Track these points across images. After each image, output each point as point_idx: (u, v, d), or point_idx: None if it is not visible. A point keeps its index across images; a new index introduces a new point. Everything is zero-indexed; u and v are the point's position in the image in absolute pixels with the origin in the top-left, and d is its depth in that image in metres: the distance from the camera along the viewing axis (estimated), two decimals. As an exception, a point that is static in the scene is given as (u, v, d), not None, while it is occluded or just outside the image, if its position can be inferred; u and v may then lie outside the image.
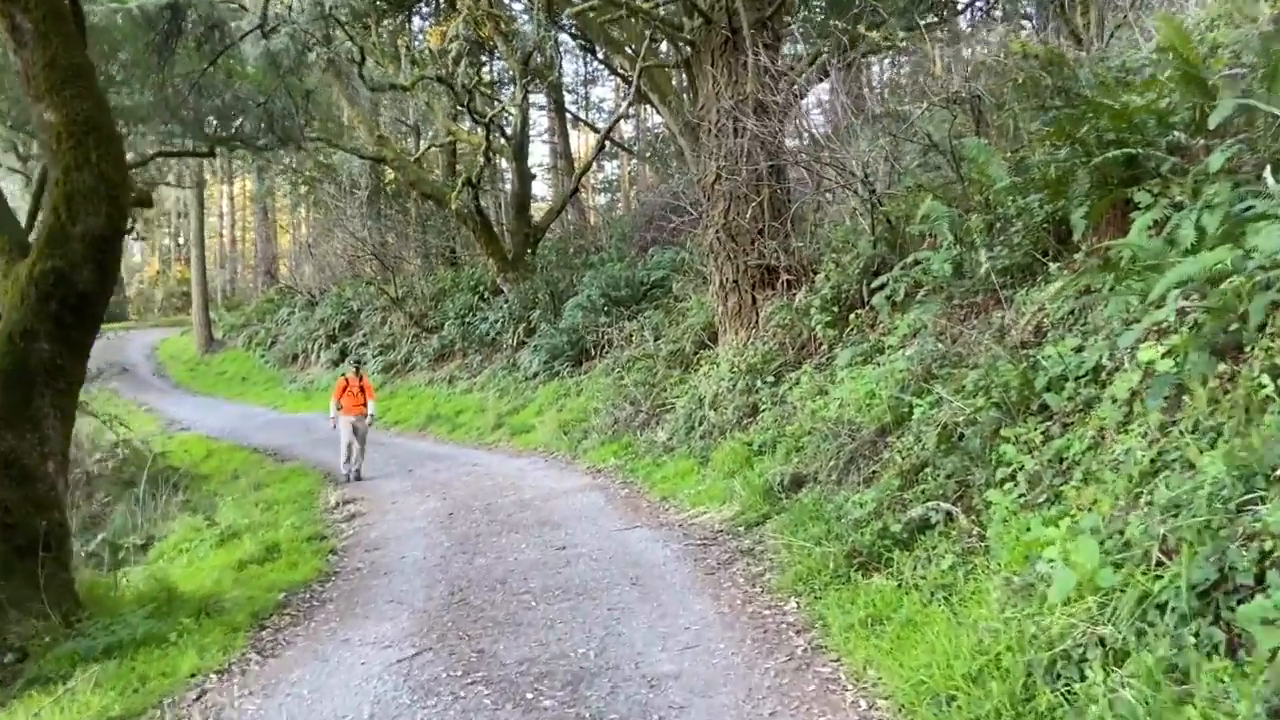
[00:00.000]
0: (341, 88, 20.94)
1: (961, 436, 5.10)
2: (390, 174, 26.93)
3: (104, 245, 6.34)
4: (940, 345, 6.14)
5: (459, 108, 20.76)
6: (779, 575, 5.40)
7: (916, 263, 7.82)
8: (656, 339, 13.85)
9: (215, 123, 12.72)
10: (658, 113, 33.23)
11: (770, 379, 9.16)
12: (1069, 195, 5.70)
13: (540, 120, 43.55)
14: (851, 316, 8.75)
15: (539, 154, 48.07)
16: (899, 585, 4.49)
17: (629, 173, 44.54)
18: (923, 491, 4.91)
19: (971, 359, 5.87)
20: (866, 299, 8.93)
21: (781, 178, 11.02)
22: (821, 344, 9.20)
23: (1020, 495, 4.32)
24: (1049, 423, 4.65)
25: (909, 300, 7.96)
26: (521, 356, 18.12)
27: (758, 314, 10.82)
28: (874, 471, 5.86)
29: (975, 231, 6.85)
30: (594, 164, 27.63)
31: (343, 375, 12.74)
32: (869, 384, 6.58)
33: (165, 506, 11.26)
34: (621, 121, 46.23)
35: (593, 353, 16.37)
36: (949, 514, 4.68)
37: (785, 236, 10.94)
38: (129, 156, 13.18)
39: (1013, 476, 4.50)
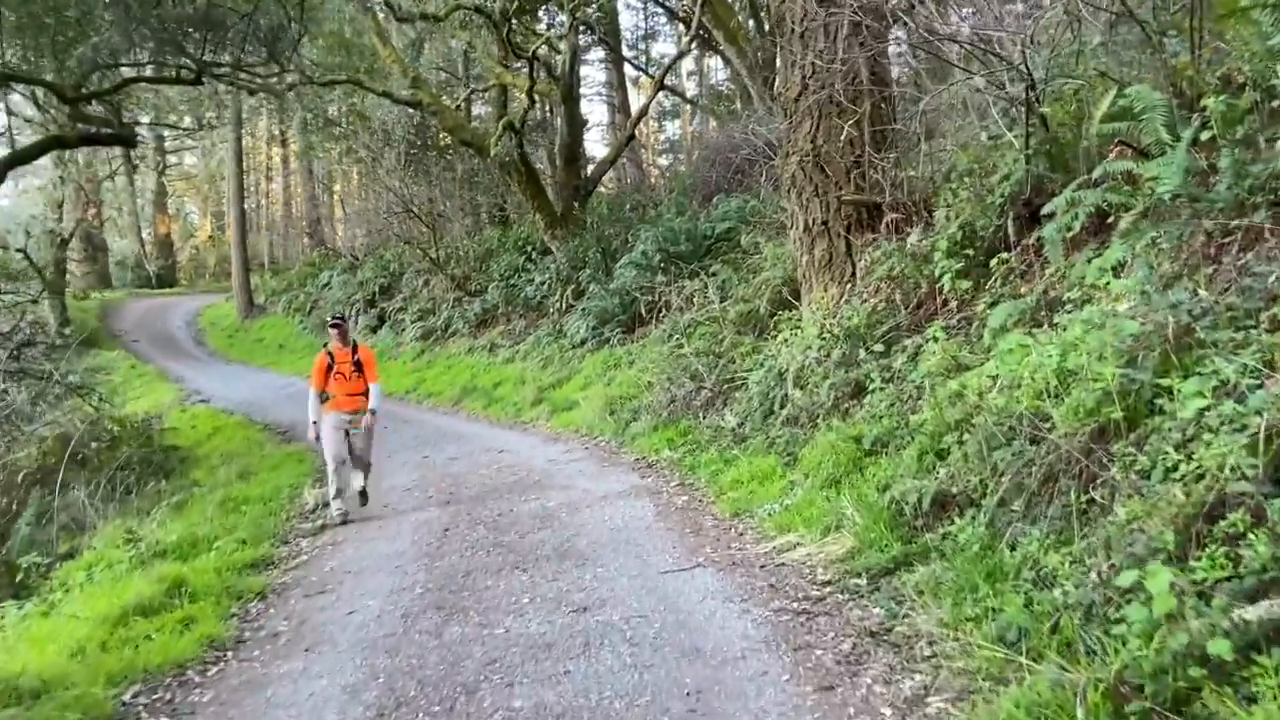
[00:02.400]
0: (371, 23, 18.85)
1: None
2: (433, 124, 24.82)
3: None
4: (1202, 295, 3.74)
5: (502, 44, 18.44)
6: (961, 715, 3.09)
7: (1101, 180, 5.39)
8: (723, 299, 11.55)
9: (195, 38, 10.65)
10: (720, 55, 30.68)
11: (878, 348, 6.80)
12: None
13: (596, 76, 41.25)
14: (994, 262, 6.33)
15: (597, 113, 45.81)
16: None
17: (691, 132, 42.00)
18: (1251, 565, 2.57)
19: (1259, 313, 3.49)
20: (1017, 237, 6.52)
21: (886, 85, 8.59)
22: (949, 300, 6.80)
23: None
24: None
25: (1099, 234, 5.56)
26: (568, 322, 15.97)
27: (854, 264, 8.44)
28: (1094, 502, 3.51)
29: (1228, 121, 4.39)
30: (649, 111, 25.12)
31: (324, 348, 8.16)
32: (1053, 356, 4.20)
33: (124, 501, 9.40)
34: (684, 74, 43.67)
35: (647, 317, 14.15)
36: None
37: (891, 163, 8.51)
38: (93, 82, 11.40)
39: None
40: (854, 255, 8.44)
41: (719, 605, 4.30)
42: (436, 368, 18.30)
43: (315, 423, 7.75)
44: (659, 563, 5.10)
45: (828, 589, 4.30)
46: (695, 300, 13.10)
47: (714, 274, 13.05)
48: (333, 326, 8.31)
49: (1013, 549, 3.70)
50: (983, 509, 4.09)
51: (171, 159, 50.10)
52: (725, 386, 8.86)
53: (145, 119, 17.83)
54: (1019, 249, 6.51)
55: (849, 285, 8.41)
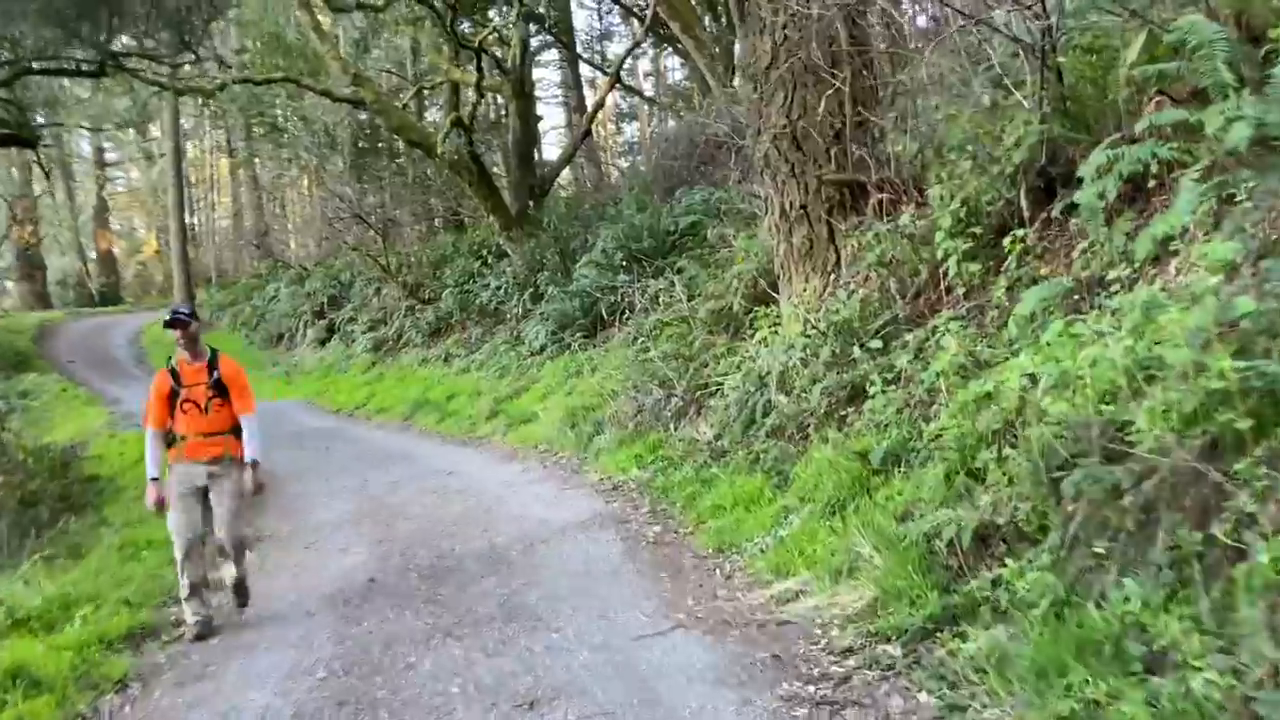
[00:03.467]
0: (305, 15, 17.70)
1: None
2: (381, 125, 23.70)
3: None
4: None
5: (448, 35, 17.39)
6: None
7: (1141, 137, 4.51)
8: (691, 297, 10.61)
9: (93, 22, 9.50)
10: (677, 49, 29.83)
11: (875, 344, 5.87)
12: None
13: (551, 77, 40.24)
14: (1007, 241, 5.42)
15: (553, 116, 44.78)
16: None
17: (650, 133, 41.13)
18: None
19: None
20: (1032, 211, 5.63)
21: (868, 48, 7.70)
22: (954, 287, 5.88)
23: None
24: None
25: (1135, 202, 4.69)
26: (526, 327, 14.95)
27: (838, 251, 7.52)
28: (1213, 541, 2.58)
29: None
30: (606, 109, 24.21)
31: (167, 364, 5.45)
32: (1124, 345, 3.27)
33: (23, 544, 8.22)
34: (641, 75, 42.80)
35: (610, 320, 13.19)
36: None
37: (877, 137, 7.61)
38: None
39: None
40: (837, 241, 7.52)
41: (710, 692, 3.29)
42: (388, 381, 17.19)
43: (155, 480, 5.16)
44: (629, 623, 4.09)
45: (851, 662, 3.33)
46: (661, 300, 12.17)
47: (680, 271, 12.13)
48: (172, 325, 5.39)
49: (1100, 606, 2.76)
50: (1045, 549, 3.15)
51: (115, 172, 48.40)
52: (698, 393, 7.90)
53: (68, 121, 16.52)
54: (1036, 224, 5.62)
55: (833, 275, 7.49)
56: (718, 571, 4.68)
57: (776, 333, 7.42)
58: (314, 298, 23.92)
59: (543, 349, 13.93)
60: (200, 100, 20.30)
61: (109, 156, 46.02)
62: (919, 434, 4.65)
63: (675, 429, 7.67)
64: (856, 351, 5.96)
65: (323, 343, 22.23)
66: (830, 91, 7.52)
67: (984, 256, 5.78)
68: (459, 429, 12.22)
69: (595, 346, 12.87)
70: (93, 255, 43.44)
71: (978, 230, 5.78)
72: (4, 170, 36.78)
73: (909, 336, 5.85)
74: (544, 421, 10.47)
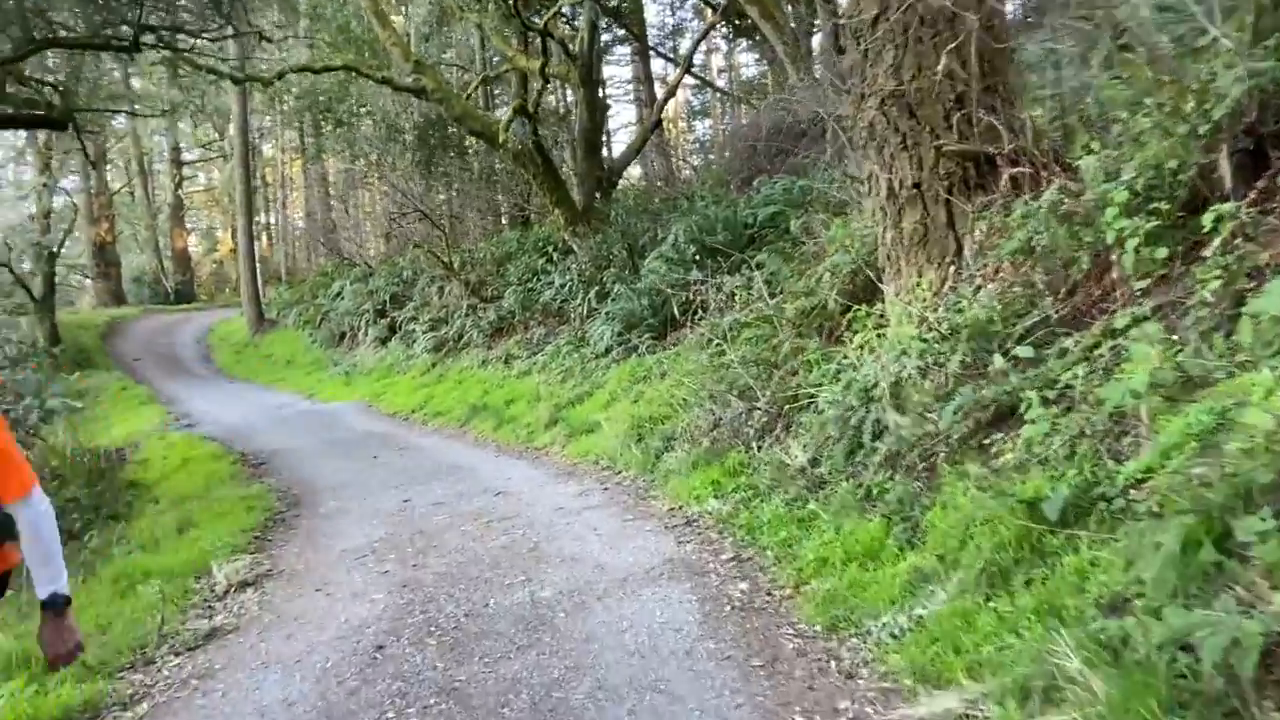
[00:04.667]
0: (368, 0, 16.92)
1: None
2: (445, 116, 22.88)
3: None
4: None
5: (512, 16, 16.42)
6: None
7: None
8: (772, 295, 9.39)
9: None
10: (753, 41, 28.52)
11: (1024, 351, 4.58)
12: None
13: (623, 74, 39.35)
14: (1210, 218, 4.11)
15: (625, 115, 43.83)
16: None
17: (723, 130, 39.84)
18: None
19: None
20: (1238, 181, 4.31)
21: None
22: (1129, 279, 4.57)
23: None
24: None
25: None
26: (591, 328, 13.88)
27: (958, 238, 6.23)
28: None
29: None
30: (677, 97, 23.05)
31: None
32: None
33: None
34: (715, 71, 41.56)
35: (681, 320, 12.02)
36: None
37: (1007, 100, 6.32)
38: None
39: None
40: (958, 226, 6.24)
41: None
42: (446, 383, 16.29)
43: None
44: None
45: None
46: (738, 298, 11.02)
47: (760, 266, 10.94)
48: None
49: None
50: None
51: (192, 170, 48.90)
52: (786, 407, 6.67)
53: (114, 107, 15.98)
54: (1246, 196, 4.29)
55: (953, 266, 6.21)
56: (833, 665, 3.48)
57: (882, 336, 6.18)
58: (376, 296, 23.25)
59: (608, 351, 12.85)
60: (264, 90, 19.61)
61: (186, 156, 46.45)
62: (1109, 477, 3.39)
63: (759, 449, 6.47)
64: (997, 360, 4.68)
65: (384, 342, 21.51)
66: (951, 47, 6.25)
67: (1170, 240, 4.47)
68: (516, 437, 11.20)
69: (664, 349, 11.74)
70: (168, 253, 43.79)
71: (1164, 206, 4.46)
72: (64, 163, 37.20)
73: (1068, 342, 4.57)
74: (606, 433, 9.36)
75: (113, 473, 12.01)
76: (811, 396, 6.43)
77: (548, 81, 17.39)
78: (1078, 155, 5.74)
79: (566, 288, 15.85)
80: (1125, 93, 5.31)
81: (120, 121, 41.52)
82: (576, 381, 12.51)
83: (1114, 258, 4.64)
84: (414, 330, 20.33)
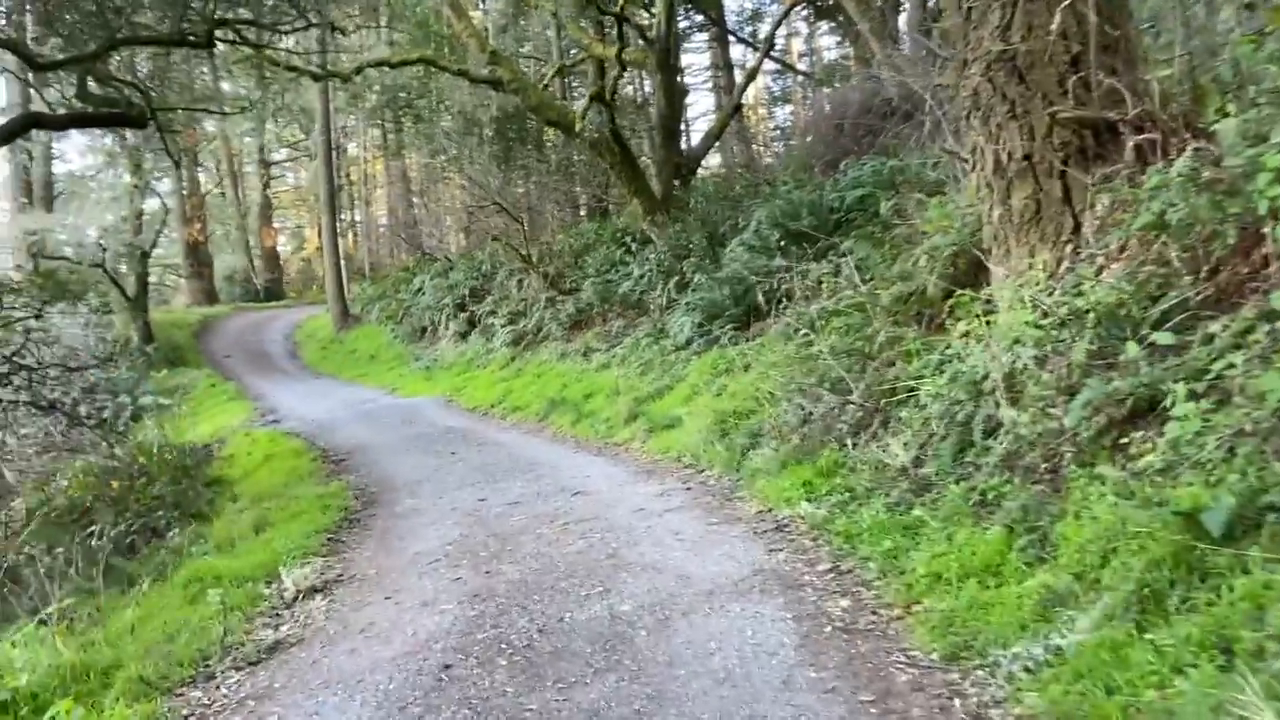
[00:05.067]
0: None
1: None
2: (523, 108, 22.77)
3: None
4: None
5: (584, 3, 16.12)
6: None
7: None
8: (864, 281, 8.89)
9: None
10: (836, 22, 27.70)
11: (1163, 338, 4.04)
12: None
13: (700, 61, 38.83)
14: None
15: (701, 103, 43.28)
16: None
17: (804, 115, 38.95)
18: None
19: None
20: None
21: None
22: (1288, 253, 3.99)
23: None
24: None
25: None
26: (671, 319, 13.49)
27: (1075, 214, 5.66)
28: None
29: None
30: (756, 77, 22.48)
31: None
32: None
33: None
34: (795, 55, 40.64)
35: (765, 309, 11.56)
36: None
37: (1128, 61, 5.73)
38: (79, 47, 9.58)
39: None
40: (1075, 201, 5.67)
41: None
42: (525, 376, 16.11)
43: None
44: None
45: None
46: (825, 285, 10.54)
47: (848, 252, 10.42)
48: None
49: None
50: None
51: (280, 170, 50.07)
52: (883, 402, 6.19)
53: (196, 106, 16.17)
54: None
55: (1069, 245, 5.64)
56: (957, 703, 3.01)
57: (990, 323, 5.65)
58: (455, 290, 23.28)
59: (688, 343, 12.46)
60: (344, 86, 19.72)
61: (274, 156, 47.54)
62: (1283, 484, 2.86)
63: (854, 446, 6.00)
64: (1131, 348, 4.14)
65: (463, 336, 21.50)
66: (1066, 3, 5.67)
67: (1336, 207, 3.88)
68: (595, 433, 10.90)
69: (748, 340, 11.30)
70: (258, 252, 44.88)
71: (1331, 168, 3.87)
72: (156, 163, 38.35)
73: (1214, 326, 4.01)
74: (688, 428, 8.98)
75: (199, 469, 12.12)
76: (911, 390, 5.94)
77: (624, 69, 17.05)
78: (1212, 119, 5.15)
79: (645, 278, 15.49)
80: (1267, 49, 4.69)
81: (210, 125, 42.91)
82: (656, 374, 12.16)
83: (1266, 230, 4.06)
84: (493, 324, 20.25)
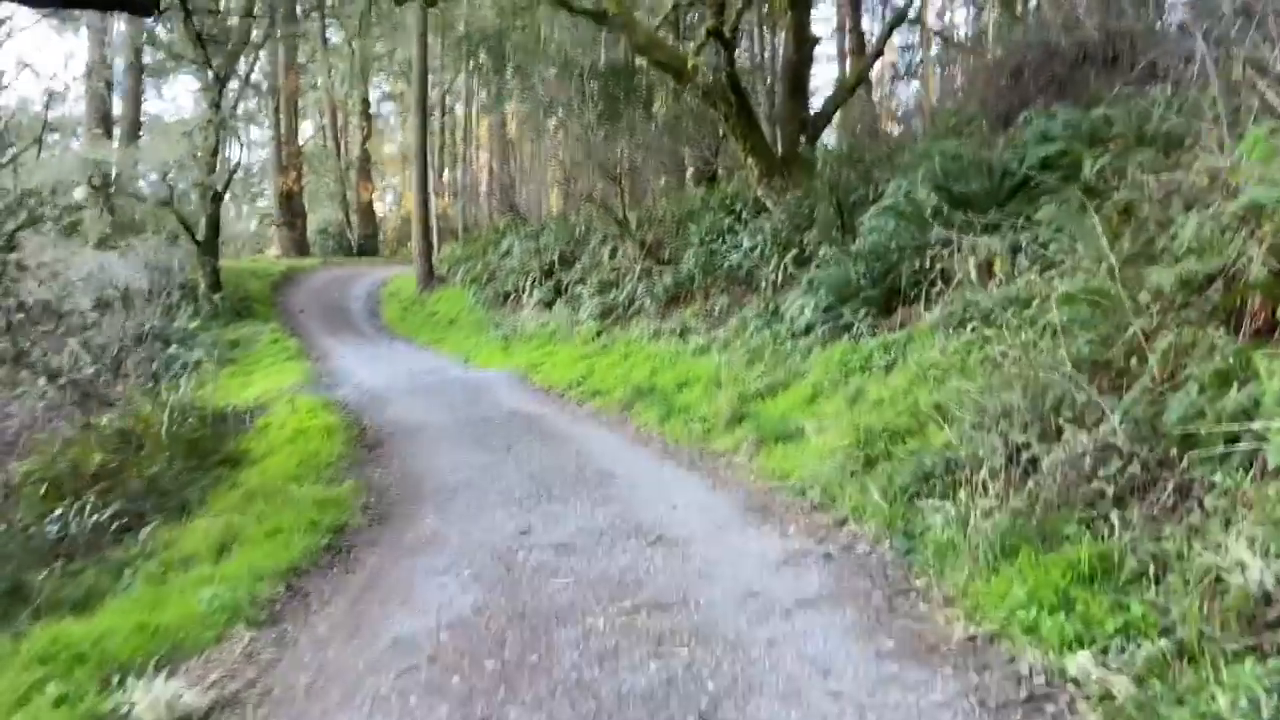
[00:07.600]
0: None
1: None
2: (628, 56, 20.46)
3: None
4: None
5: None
6: None
7: None
8: (1051, 264, 6.44)
9: None
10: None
11: None
12: None
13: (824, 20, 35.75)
14: None
15: (822, 75, 40.31)
16: None
17: (963, 71, 35.44)
18: None
19: None
20: None
21: None
22: None
23: None
24: None
25: None
26: (788, 299, 11.07)
27: None
28: None
29: None
30: (893, 33, 19.67)
31: None
32: None
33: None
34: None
35: (913, 293, 9.08)
36: None
37: None
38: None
39: None
40: None
41: None
42: (611, 355, 13.91)
43: None
44: None
45: None
46: (999, 267, 8.12)
47: (1035, 224, 7.93)
48: None
49: None
50: None
51: (381, 124, 49.01)
52: (1173, 450, 3.69)
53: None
54: None
55: None
56: None
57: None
58: (544, 254, 21.24)
59: (809, 329, 10.04)
60: (439, 7, 17.65)
61: (376, 110, 46.42)
62: None
63: (1129, 526, 3.54)
64: None
65: (548, 305, 19.45)
66: None
67: None
68: (688, 434, 8.62)
69: (892, 330, 8.83)
70: (355, 206, 43.80)
71: None
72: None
73: None
74: (815, 446, 6.62)
75: (221, 442, 10.28)
76: (1234, 437, 3.44)
77: (748, 5, 14.53)
78: None
79: (757, 250, 13.08)
80: None
81: (315, 75, 41.89)
82: (767, 366, 9.78)
83: None
84: (580, 293, 18.12)
